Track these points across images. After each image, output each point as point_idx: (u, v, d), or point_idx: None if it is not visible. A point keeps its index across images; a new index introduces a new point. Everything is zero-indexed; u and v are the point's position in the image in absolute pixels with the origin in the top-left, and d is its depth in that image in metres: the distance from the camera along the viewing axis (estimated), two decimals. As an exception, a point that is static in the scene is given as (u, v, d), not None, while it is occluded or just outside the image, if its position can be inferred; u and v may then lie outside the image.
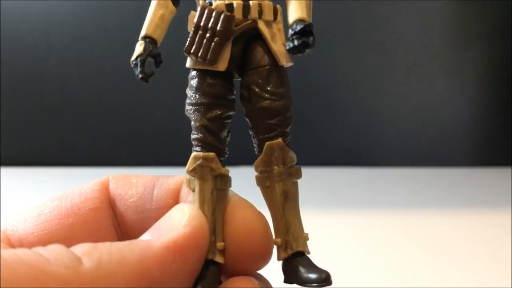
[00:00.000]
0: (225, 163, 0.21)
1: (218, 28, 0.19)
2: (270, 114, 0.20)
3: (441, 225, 0.60)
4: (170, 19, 0.21)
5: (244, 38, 0.20)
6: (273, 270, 0.21)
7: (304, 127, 0.87)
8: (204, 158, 0.20)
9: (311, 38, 0.19)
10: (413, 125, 0.92)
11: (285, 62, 0.20)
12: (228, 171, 0.20)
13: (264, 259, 0.20)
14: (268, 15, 0.20)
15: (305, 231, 0.21)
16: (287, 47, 0.19)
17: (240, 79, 0.21)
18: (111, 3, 0.85)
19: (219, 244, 0.19)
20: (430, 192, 0.75)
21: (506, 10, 0.89)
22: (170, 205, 0.20)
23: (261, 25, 0.20)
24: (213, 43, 0.19)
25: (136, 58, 0.20)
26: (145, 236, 0.18)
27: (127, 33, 0.90)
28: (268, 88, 0.20)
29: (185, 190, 0.21)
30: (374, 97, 0.91)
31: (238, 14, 0.20)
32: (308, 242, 0.21)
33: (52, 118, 0.88)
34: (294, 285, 0.20)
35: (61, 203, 0.21)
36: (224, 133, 0.21)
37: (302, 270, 0.20)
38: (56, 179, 0.79)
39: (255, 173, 0.21)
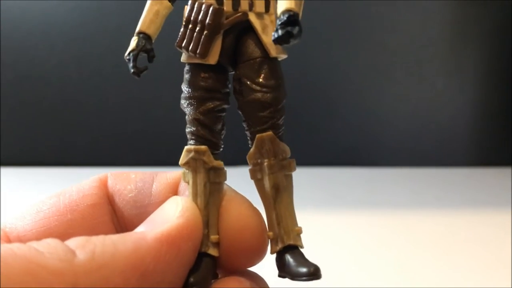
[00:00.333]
0: (225, 163, 0.21)
1: (207, 21, 0.20)
2: (261, 106, 0.20)
3: (441, 225, 0.60)
4: (166, 14, 0.21)
5: (236, 30, 0.20)
6: (272, 263, 0.21)
7: (304, 127, 0.87)
8: (196, 151, 0.20)
9: (296, 28, 0.18)
10: (413, 125, 0.92)
11: (276, 53, 0.20)
12: (222, 164, 0.20)
13: (259, 254, 0.20)
14: (259, 7, 0.20)
15: (304, 229, 0.21)
16: (272, 38, 0.19)
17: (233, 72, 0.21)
18: (111, 3, 0.85)
19: (213, 237, 0.19)
20: (430, 192, 0.75)
21: (506, 10, 0.89)
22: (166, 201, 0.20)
23: (252, 17, 0.20)
24: (202, 37, 0.20)
25: (129, 53, 0.20)
26: (139, 229, 0.19)
27: (127, 34, 0.89)
28: (259, 81, 0.20)
29: (183, 184, 0.21)
30: (374, 97, 0.91)
31: (228, 7, 0.20)
32: (303, 236, 0.21)
33: (52, 118, 0.88)
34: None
35: (60, 200, 0.21)
36: (218, 127, 0.21)
37: (292, 264, 0.20)
38: (56, 179, 0.79)
39: (250, 166, 0.21)
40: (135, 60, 0.20)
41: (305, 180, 0.72)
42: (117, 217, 0.22)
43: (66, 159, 0.88)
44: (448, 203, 0.69)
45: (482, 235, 0.57)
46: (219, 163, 0.20)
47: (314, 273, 0.19)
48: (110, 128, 0.89)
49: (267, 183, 0.20)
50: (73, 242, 0.16)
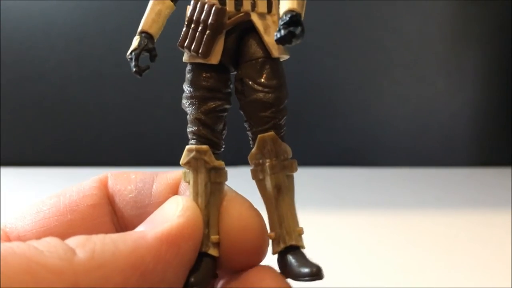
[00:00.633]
0: (225, 164, 0.21)
1: (209, 21, 0.20)
2: (263, 106, 0.20)
3: (441, 225, 0.60)
4: (168, 14, 0.21)
5: (238, 31, 0.20)
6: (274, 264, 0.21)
7: (304, 127, 0.87)
8: (197, 150, 0.20)
9: (298, 28, 0.18)
10: (413, 125, 0.92)
11: (278, 54, 0.20)
12: (223, 163, 0.20)
13: (259, 255, 0.20)
14: (261, 7, 0.20)
15: (304, 229, 0.21)
16: (275, 38, 0.19)
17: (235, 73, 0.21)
18: (111, 4, 0.85)
19: (214, 237, 0.19)
20: (430, 192, 0.75)
21: (506, 10, 0.89)
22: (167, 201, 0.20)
23: (254, 17, 0.20)
24: (205, 36, 0.20)
25: (131, 53, 0.20)
26: (140, 228, 0.19)
27: (127, 34, 0.89)
28: (261, 81, 0.20)
29: (184, 184, 0.21)
30: (374, 97, 0.91)
31: (230, 7, 0.20)
32: (304, 236, 0.21)
33: (52, 118, 0.88)
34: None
35: (60, 200, 0.21)
36: (220, 126, 0.21)
37: (294, 264, 0.19)
38: (56, 179, 0.79)
39: (251, 167, 0.21)
40: (137, 59, 0.20)
41: (305, 180, 0.72)
42: (117, 217, 0.22)
43: (66, 159, 0.88)
44: (448, 203, 0.69)
45: (482, 235, 0.57)
46: (220, 163, 0.20)
47: (316, 273, 0.19)
48: (110, 128, 0.89)
49: (268, 184, 0.20)
50: (73, 241, 0.16)
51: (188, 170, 0.20)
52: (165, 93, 0.87)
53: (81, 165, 0.87)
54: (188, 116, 0.21)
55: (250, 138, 0.21)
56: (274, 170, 0.20)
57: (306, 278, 0.19)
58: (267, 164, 0.20)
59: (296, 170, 0.21)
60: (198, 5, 0.20)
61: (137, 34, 0.21)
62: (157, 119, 0.88)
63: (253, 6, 0.20)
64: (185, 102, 0.21)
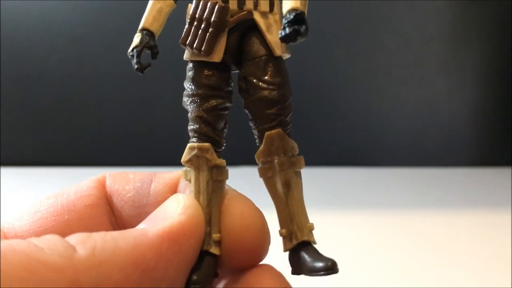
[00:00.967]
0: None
1: (212, 18, 0.20)
2: (269, 103, 0.20)
3: (441, 225, 0.60)
4: (169, 12, 0.21)
5: (240, 29, 0.20)
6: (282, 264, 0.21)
7: (304, 127, 0.87)
8: (199, 148, 0.20)
9: (303, 27, 0.18)
10: (413, 125, 0.92)
11: (281, 52, 0.20)
12: (224, 162, 0.20)
13: (260, 254, 0.20)
14: (264, 6, 0.20)
15: (313, 224, 0.21)
16: (279, 36, 0.19)
17: (237, 71, 0.21)
18: (111, 3, 0.85)
19: (215, 236, 0.19)
20: (430, 192, 0.75)
21: (506, 10, 0.89)
22: (168, 198, 0.20)
23: (257, 16, 0.20)
24: (207, 34, 0.20)
25: (133, 50, 0.20)
26: (141, 226, 0.18)
27: (127, 33, 0.89)
28: (265, 78, 0.20)
29: (183, 183, 0.21)
30: (374, 97, 0.91)
31: (233, 5, 0.20)
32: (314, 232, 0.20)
33: (52, 118, 0.88)
34: (302, 276, 0.20)
35: (57, 200, 0.21)
36: (221, 125, 0.21)
37: (307, 259, 0.19)
38: (56, 179, 0.79)
39: (258, 165, 0.21)
40: (138, 56, 0.20)
41: (305, 180, 0.72)
42: (116, 217, 0.22)
43: (66, 159, 0.88)
44: (448, 203, 0.69)
45: (482, 235, 0.57)
46: (222, 161, 0.20)
47: (331, 267, 0.18)
48: (110, 128, 0.89)
49: (278, 181, 0.20)
50: (74, 238, 0.16)
51: (189, 168, 0.20)
52: (165, 93, 0.87)
53: (81, 165, 0.87)
54: (189, 114, 0.21)
55: (256, 137, 0.21)
56: (283, 167, 0.20)
57: (322, 273, 0.19)
58: (276, 161, 0.20)
59: (303, 166, 0.21)
60: (201, 3, 0.20)
61: (138, 31, 0.21)
62: (157, 119, 0.88)
63: (256, 5, 0.20)
64: (186, 100, 0.21)
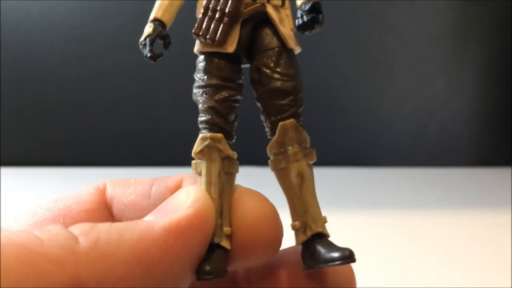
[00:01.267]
0: None
1: (227, 8, 0.19)
2: (282, 94, 0.20)
3: (441, 225, 0.60)
4: (178, 5, 0.21)
5: (253, 22, 0.20)
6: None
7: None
8: (211, 138, 0.19)
9: (320, 16, 0.19)
10: (413, 125, 0.92)
11: (294, 45, 0.21)
12: (236, 154, 0.20)
13: (273, 247, 0.19)
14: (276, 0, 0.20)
15: (326, 217, 0.20)
16: (296, 24, 0.19)
17: (248, 65, 0.21)
18: (111, 4, 0.85)
19: (226, 229, 0.19)
20: (430, 192, 0.75)
21: (506, 10, 0.89)
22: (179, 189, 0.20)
23: (270, 9, 0.20)
24: (222, 24, 0.20)
25: (145, 38, 0.20)
26: (148, 217, 0.18)
27: (127, 34, 0.90)
28: (279, 69, 0.20)
29: (186, 184, 0.21)
30: (374, 97, 0.91)
31: None
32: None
33: (52, 118, 0.88)
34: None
35: (55, 205, 0.21)
36: (232, 117, 0.20)
37: (323, 250, 0.19)
38: (56, 179, 0.79)
39: (270, 157, 0.20)
40: (151, 44, 0.20)
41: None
42: (116, 222, 0.21)
43: (66, 159, 0.88)
44: (448, 203, 0.69)
45: (482, 235, 0.57)
46: (233, 153, 0.20)
47: (349, 256, 0.18)
48: (110, 128, 0.89)
49: (291, 172, 0.20)
50: (77, 228, 0.16)
51: (199, 160, 0.20)
52: (165, 93, 0.87)
53: (81, 165, 0.87)
54: (200, 106, 0.20)
55: (268, 129, 0.21)
56: (297, 157, 0.20)
57: (338, 262, 0.18)
58: (289, 151, 0.20)
59: (316, 159, 0.20)
60: None
61: (149, 21, 0.20)
62: (157, 119, 0.88)
63: None
64: (197, 92, 0.20)
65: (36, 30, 0.85)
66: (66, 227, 0.16)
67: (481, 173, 0.88)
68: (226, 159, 0.20)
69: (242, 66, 0.21)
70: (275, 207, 0.19)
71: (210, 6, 0.20)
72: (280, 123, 0.20)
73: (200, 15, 0.20)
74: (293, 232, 0.20)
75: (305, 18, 0.19)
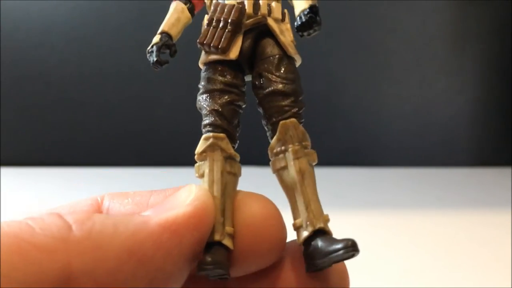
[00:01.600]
0: None
1: (230, 18, 0.20)
2: (282, 95, 0.20)
3: (441, 225, 0.60)
4: (186, 23, 0.22)
5: (254, 34, 0.21)
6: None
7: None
8: (214, 137, 0.20)
9: (318, 17, 0.20)
10: (413, 125, 0.92)
11: (294, 54, 0.21)
12: (238, 156, 0.20)
13: (279, 246, 0.19)
14: (276, 13, 0.21)
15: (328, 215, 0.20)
16: (296, 25, 0.20)
17: (250, 78, 0.22)
18: (111, 4, 0.85)
19: (228, 228, 0.19)
20: (430, 192, 0.75)
21: (506, 10, 0.89)
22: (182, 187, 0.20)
23: (271, 21, 0.21)
24: (225, 32, 0.20)
25: (152, 46, 0.21)
26: (146, 213, 0.18)
27: (127, 34, 0.90)
28: (279, 73, 0.21)
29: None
30: (374, 97, 0.91)
31: (249, 9, 0.21)
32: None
33: (52, 118, 0.88)
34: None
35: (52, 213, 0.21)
36: (235, 121, 0.21)
37: (324, 244, 0.18)
38: (56, 179, 0.79)
39: (271, 159, 0.20)
40: (158, 50, 0.21)
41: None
42: None
43: (66, 159, 0.88)
44: (448, 203, 0.69)
45: (482, 235, 0.57)
46: (236, 154, 0.20)
47: (352, 245, 0.17)
48: (110, 128, 0.89)
49: (292, 169, 0.20)
50: (72, 216, 0.16)
51: (202, 162, 0.20)
52: (165, 93, 0.87)
53: (81, 165, 0.87)
54: (204, 111, 0.21)
55: (269, 131, 0.21)
56: (298, 155, 0.20)
57: (341, 252, 0.17)
58: (290, 149, 0.20)
59: (316, 160, 0.20)
60: (219, 7, 0.21)
61: (157, 34, 0.22)
62: (157, 119, 0.88)
63: (270, 11, 0.21)
64: (201, 98, 0.21)
65: (36, 30, 0.85)
66: (61, 216, 0.16)
67: (481, 173, 0.88)
68: (228, 159, 0.20)
69: (246, 76, 0.22)
70: (277, 207, 0.19)
71: (214, 17, 0.21)
72: (281, 122, 0.20)
73: (205, 26, 0.21)
74: (294, 235, 0.20)
75: (303, 18, 0.20)
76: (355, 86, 0.91)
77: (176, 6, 0.22)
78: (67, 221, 0.15)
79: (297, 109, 0.21)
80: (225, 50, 0.20)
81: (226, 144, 0.20)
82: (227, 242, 0.18)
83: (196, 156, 0.20)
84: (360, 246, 0.18)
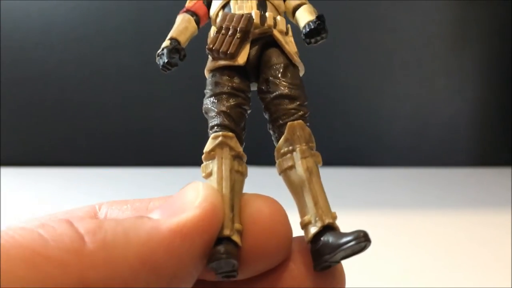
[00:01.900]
0: None
1: (240, 26, 0.21)
2: (289, 99, 0.21)
3: (442, 225, 0.60)
4: (193, 33, 0.23)
5: (260, 44, 0.22)
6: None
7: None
8: (223, 135, 0.20)
9: (325, 25, 0.21)
10: (413, 125, 0.92)
11: (298, 63, 0.22)
12: (245, 156, 0.20)
13: (286, 243, 0.19)
14: (281, 25, 0.22)
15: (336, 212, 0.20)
16: (304, 32, 0.21)
17: (255, 89, 0.22)
18: (111, 4, 0.85)
19: (237, 225, 0.18)
20: (430, 192, 0.75)
21: (506, 10, 0.89)
22: (188, 185, 0.19)
23: (276, 32, 0.22)
24: (234, 38, 0.21)
25: (162, 49, 0.22)
26: (155, 215, 0.17)
27: (127, 34, 0.90)
28: (285, 79, 0.21)
29: None
30: (374, 97, 0.91)
31: (256, 19, 0.22)
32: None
33: (52, 118, 0.88)
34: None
35: (49, 219, 0.21)
36: (242, 124, 0.21)
37: (334, 238, 0.18)
38: (56, 179, 0.79)
39: (277, 160, 0.21)
40: (169, 53, 0.21)
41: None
42: None
43: (66, 159, 0.88)
44: (448, 203, 0.69)
45: (482, 235, 0.57)
46: (244, 154, 0.20)
47: (364, 235, 0.17)
48: (110, 128, 0.89)
49: (299, 168, 0.20)
50: (84, 226, 0.15)
51: (210, 161, 0.20)
52: (165, 93, 0.87)
53: (81, 165, 0.87)
54: (211, 114, 0.21)
55: (276, 135, 0.21)
56: (305, 154, 0.20)
57: (352, 243, 0.17)
58: (298, 149, 0.20)
59: (321, 163, 0.21)
60: (228, 16, 0.22)
61: (166, 40, 0.22)
62: (157, 119, 0.88)
63: (275, 23, 0.22)
64: (208, 101, 0.21)
65: (36, 30, 0.85)
66: (71, 224, 0.15)
67: (481, 173, 0.88)
68: (237, 158, 0.20)
69: (251, 85, 0.22)
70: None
71: (223, 25, 0.21)
72: (289, 123, 0.20)
73: (214, 33, 0.21)
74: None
75: (312, 25, 0.21)
76: (355, 86, 0.91)
77: (183, 17, 0.23)
78: (79, 231, 0.15)
79: (303, 112, 0.21)
80: (234, 55, 0.21)
81: (235, 143, 0.20)
82: (236, 238, 0.18)
83: (204, 156, 0.20)
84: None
